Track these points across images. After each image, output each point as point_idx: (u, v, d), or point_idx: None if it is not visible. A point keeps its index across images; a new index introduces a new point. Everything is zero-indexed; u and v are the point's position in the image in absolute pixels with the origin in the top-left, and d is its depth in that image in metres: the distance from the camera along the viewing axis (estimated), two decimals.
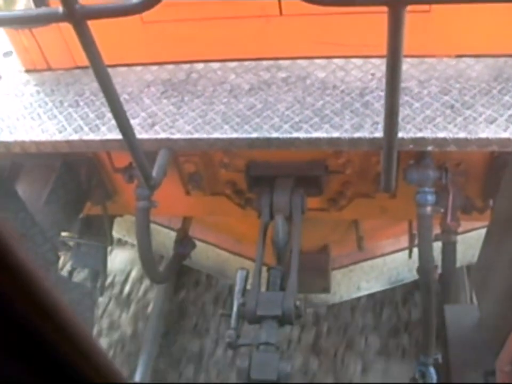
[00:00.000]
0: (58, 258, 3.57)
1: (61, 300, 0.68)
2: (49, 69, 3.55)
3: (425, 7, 2.90)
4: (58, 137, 3.11)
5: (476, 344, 2.43)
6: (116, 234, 4.94)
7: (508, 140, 2.73)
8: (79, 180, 3.60)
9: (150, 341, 5.37)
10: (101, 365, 0.77)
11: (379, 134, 2.77)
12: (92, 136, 3.08)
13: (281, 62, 3.32)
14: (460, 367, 2.49)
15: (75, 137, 3.10)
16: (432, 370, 3.48)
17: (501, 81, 3.00)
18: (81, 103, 3.28)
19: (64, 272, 4.54)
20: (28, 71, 3.57)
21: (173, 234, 4.71)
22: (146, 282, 6.00)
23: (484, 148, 2.80)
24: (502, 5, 2.82)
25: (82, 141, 3.10)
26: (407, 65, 3.12)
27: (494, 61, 3.11)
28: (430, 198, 3.06)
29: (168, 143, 3.03)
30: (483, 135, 2.74)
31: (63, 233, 3.95)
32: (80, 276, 4.71)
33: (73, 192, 3.61)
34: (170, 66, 3.43)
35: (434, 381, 3.45)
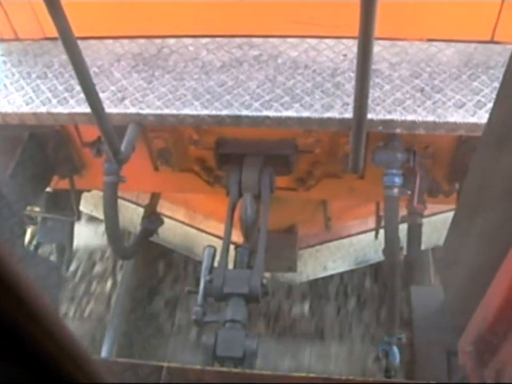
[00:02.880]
0: (24, 232, 3.52)
1: (24, 275, 0.67)
2: (17, 39, 3.48)
3: None
4: (25, 109, 3.07)
5: (440, 325, 2.48)
6: (83, 209, 4.90)
7: (476, 124, 2.76)
8: (46, 153, 3.55)
9: (117, 317, 5.35)
10: (65, 342, 0.75)
11: (349, 114, 2.78)
12: (60, 109, 3.04)
13: (253, 39, 3.30)
14: (424, 347, 2.54)
15: (43, 109, 3.05)
16: (395, 349, 3.53)
17: (471, 66, 3.03)
18: (50, 75, 3.23)
19: (30, 247, 4.48)
20: None
21: (141, 211, 4.70)
22: None
23: (451, 132, 2.84)
24: None
25: (50, 114, 3.05)
26: (379, 48, 3.13)
27: (464, 46, 3.14)
28: (398, 180, 3.08)
29: (137, 118, 3.01)
30: (451, 119, 2.78)
31: (29, 207, 3.90)
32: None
33: (40, 165, 3.55)
34: (141, 41, 3.39)
35: (397, 360, 3.50)
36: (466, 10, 3.00)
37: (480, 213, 1.85)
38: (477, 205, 1.87)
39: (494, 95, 2.77)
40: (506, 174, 1.64)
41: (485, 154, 1.81)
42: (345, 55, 3.15)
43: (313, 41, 3.25)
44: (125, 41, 3.39)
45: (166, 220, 4.78)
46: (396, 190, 3.10)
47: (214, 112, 2.93)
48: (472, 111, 2.80)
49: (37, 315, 0.69)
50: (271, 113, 2.88)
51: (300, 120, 2.88)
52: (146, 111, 2.98)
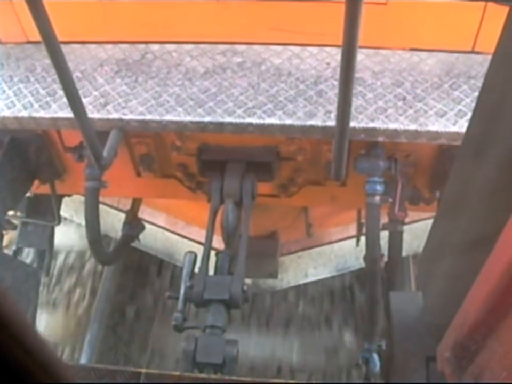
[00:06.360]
0: (2, 236, 3.50)
1: None
2: None
3: None
4: (7, 113, 3.04)
5: (419, 331, 2.49)
6: (63, 214, 4.87)
7: (456, 133, 2.80)
8: (27, 157, 3.52)
9: (96, 322, 5.32)
10: (34, 348, 0.72)
11: (331, 122, 2.79)
12: (42, 114, 3.03)
13: (237, 46, 3.31)
14: (403, 353, 2.55)
15: (24, 114, 3.03)
16: (375, 356, 3.55)
17: (452, 76, 3.06)
18: (32, 79, 3.21)
19: (10, 252, 4.44)
20: None
21: (122, 216, 4.68)
22: None
23: (433, 140, 2.86)
24: (457, 3, 2.89)
25: (32, 118, 3.04)
26: (362, 56, 3.16)
27: (446, 56, 3.17)
28: (379, 187, 3.10)
29: (120, 124, 3.00)
30: (433, 128, 2.81)
31: (9, 212, 3.87)
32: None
33: (21, 169, 3.52)
34: (125, 46, 3.38)
35: (377, 367, 3.51)
36: (449, 21, 3.03)
37: (459, 220, 1.86)
38: (456, 213, 1.89)
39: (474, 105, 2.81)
40: (484, 182, 1.66)
41: (463, 162, 1.83)
42: (328, 63, 3.17)
43: (296, 49, 3.27)
44: (109, 46, 3.38)
45: (147, 225, 4.77)
46: (377, 198, 3.12)
47: (196, 119, 2.94)
48: (453, 120, 2.84)
49: (4, 320, 0.67)
50: (253, 120, 2.89)
51: (283, 128, 2.89)
52: (129, 116, 2.98)
